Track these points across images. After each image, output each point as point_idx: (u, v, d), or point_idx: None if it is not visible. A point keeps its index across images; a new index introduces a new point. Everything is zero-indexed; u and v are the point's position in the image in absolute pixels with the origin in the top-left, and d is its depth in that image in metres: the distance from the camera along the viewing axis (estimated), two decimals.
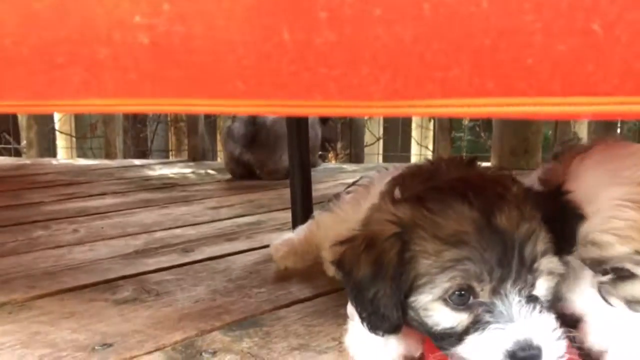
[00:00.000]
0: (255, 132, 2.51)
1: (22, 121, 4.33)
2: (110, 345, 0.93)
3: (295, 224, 1.59)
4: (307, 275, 1.28)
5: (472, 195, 0.74)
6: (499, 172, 0.87)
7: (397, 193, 0.85)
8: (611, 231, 0.70)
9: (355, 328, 0.89)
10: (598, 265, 0.74)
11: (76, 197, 2.19)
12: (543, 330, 0.71)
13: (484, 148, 3.71)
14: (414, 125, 4.11)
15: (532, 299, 0.73)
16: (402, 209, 0.78)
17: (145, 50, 0.45)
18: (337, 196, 1.53)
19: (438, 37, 0.39)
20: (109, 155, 3.39)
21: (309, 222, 1.42)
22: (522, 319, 0.71)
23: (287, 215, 1.76)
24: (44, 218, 1.83)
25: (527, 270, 0.72)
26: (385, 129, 4.15)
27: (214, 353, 0.91)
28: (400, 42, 0.40)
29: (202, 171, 2.88)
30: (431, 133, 4.01)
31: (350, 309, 0.96)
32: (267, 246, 1.50)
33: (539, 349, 0.70)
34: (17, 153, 4.04)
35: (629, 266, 0.72)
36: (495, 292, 0.71)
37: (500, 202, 0.74)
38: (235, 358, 0.89)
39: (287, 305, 1.11)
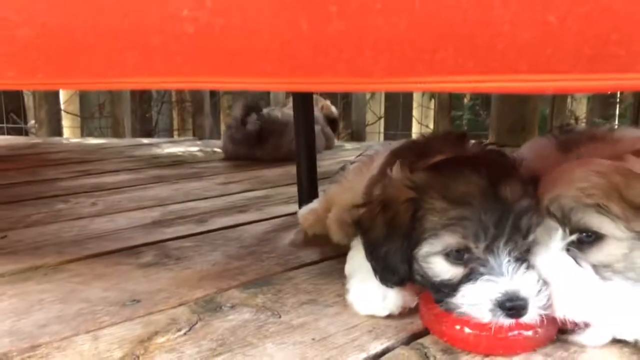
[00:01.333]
0: (261, 127, 2.60)
1: (29, 102, 4.43)
2: (139, 301, 1.04)
3: (301, 198, 1.70)
4: (314, 242, 1.39)
5: (484, 167, 0.86)
6: (500, 152, 0.98)
7: (396, 166, 0.96)
8: (578, 189, 0.80)
9: (356, 285, 1.00)
10: (568, 222, 0.81)
11: (90, 174, 2.29)
12: (529, 284, 0.81)
13: (483, 126, 3.80)
14: (414, 104, 4.20)
15: (519, 259, 0.82)
16: (419, 175, 0.89)
17: (189, 38, 0.54)
18: (343, 167, 1.64)
19: (427, 26, 0.49)
20: (117, 135, 3.49)
21: (323, 193, 1.53)
22: (511, 274, 0.81)
23: (293, 190, 1.87)
24: (62, 193, 1.94)
25: (520, 236, 0.82)
26: (386, 108, 4.24)
27: (233, 307, 1.02)
28: (396, 30, 0.50)
29: (209, 149, 2.98)
30: (432, 112, 4.10)
31: (348, 270, 1.07)
32: (276, 217, 1.62)
33: (525, 300, 0.80)
34: (24, 132, 4.14)
35: (596, 224, 0.78)
36: (488, 249, 0.82)
37: (507, 176, 0.85)
38: (252, 311, 1.00)
39: (296, 268, 1.22)
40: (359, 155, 1.62)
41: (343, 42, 0.52)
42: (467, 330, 0.83)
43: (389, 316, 0.96)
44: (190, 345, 0.88)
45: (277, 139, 2.57)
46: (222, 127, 4.61)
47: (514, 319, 0.80)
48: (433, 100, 3.98)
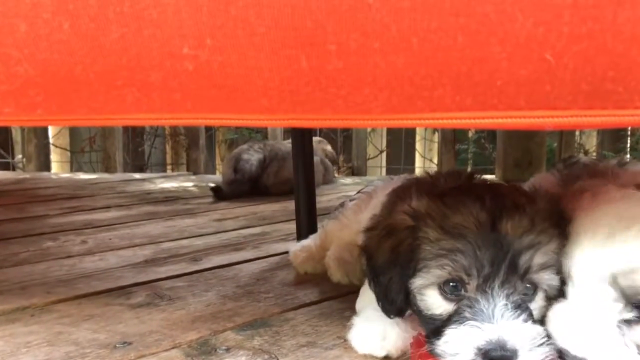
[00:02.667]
0: (270, 156, 2.65)
1: (17, 136, 4.48)
2: (130, 343, 1.05)
3: (300, 234, 1.72)
4: (312, 281, 1.40)
5: (489, 199, 0.83)
6: (514, 185, 0.95)
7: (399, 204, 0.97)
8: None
9: (359, 323, 1.01)
10: (627, 297, 0.75)
11: (80, 210, 2.31)
12: (522, 336, 0.77)
13: (489, 160, 3.84)
14: (417, 137, 4.25)
15: (520, 307, 0.79)
16: (420, 202, 0.89)
17: (189, 75, 0.57)
18: (342, 204, 1.67)
19: (425, 64, 0.52)
20: (108, 169, 3.52)
21: (320, 229, 1.55)
22: (503, 321, 0.77)
23: (291, 227, 1.89)
24: (51, 230, 1.95)
25: (518, 278, 0.79)
26: (388, 141, 4.29)
27: (228, 349, 1.02)
28: (394, 69, 0.52)
29: (204, 184, 3.00)
30: (436, 145, 4.15)
31: (360, 304, 1.08)
32: (273, 255, 1.63)
33: (513, 352, 0.76)
34: (11, 167, 4.17)
35: None
36: (480, 289, 0.79)
37: (514, 210, 0.81)
38: (248, 354, 1.00)
39: (295, 309, 1.22)
40: (358, 192, 1.65)
41: (342, 80, 0.55)
42: None
43: (388, 358, 0.96)
44: None
45: (280, 163, 2.61)
46: (218, 161, 4.65)
47: None
48: (437, 134, 4.03)
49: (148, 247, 1.73)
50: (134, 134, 4.43)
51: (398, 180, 1.35)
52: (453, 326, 0.80)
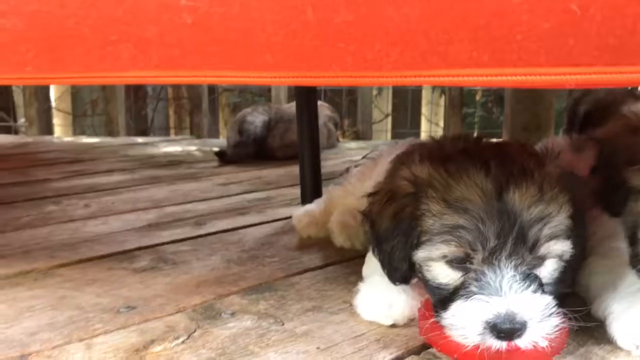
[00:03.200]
0: (275, 118, 2.60)
1: (19, 99, 4.44)
2: (134, 307, 1.04)
3: (304, 199, 1.70)
4: (317, 246, 1.39)
5: (495, 164, 0.78)
6: (523, 145, 0.90)
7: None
8: None
9: (365, 290, 1.00)
10: None
11: (83, 174, 2.29)
12: (531, 307, 0.75)
13: (496, 124, 3.80)
14: (424, 101, 4.20)
15: (529, 277, 0.77)
16: (422, 168, 0.85)
17: (188, 29, 0.54)
18: (347, 170, 1.65)
19: (441, 17, 0.49)
20: (110, 133, 3.50)
21: (325, 195, 1.53)
22: (512, 293, 0.75)
23: (296, 192, 1.87)
24: (53, 194, 1.94)
25: (526, 250, 0.76)
26: (394, 105, 4.24)
27: (233, 314, 1.01)
28: (408, 21, 0.49)
29: (207, 149, 2.98)
30: (442, 109, 4.10)
31: (366, 271, 1.07)
32: (278, 220, 1.61)
33: (522, 324, 0.74)
34: (13, 131, 4.15)
35: None
36: (486, 262, 0.77)
37: (521, 177, 0.77)
38: (253, 318, 0.99)
39: (300, 273, 1.21)
40: (363, 157, 1.62)
41: (351, 34, 0.51)
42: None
43: (395, 325, 0.95)
44: (188, 354, 0.87)
45: (287, 125, 2.58)
46: (221, 125, 4.62)
47: (504, 342, 0.75)
48: (443, 97, 3.97)
49: (152, 211, 1.71)
50: (137, 98, 4.39)
51: (403, 145, 1.32)
52: (460, 300, 0.78)
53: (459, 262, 0.80)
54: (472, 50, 0.49)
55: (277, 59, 0.54)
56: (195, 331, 0.95)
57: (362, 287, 1.00)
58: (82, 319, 0.99)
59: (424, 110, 4.20)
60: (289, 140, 2.56)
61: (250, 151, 2.57)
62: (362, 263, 1.11)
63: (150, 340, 0.92)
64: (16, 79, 0.64)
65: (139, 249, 1.37)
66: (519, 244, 0.76)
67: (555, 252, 0.79)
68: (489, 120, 4.08)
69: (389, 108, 4.18)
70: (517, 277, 0.76)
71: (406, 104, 4.18)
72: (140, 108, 4.56)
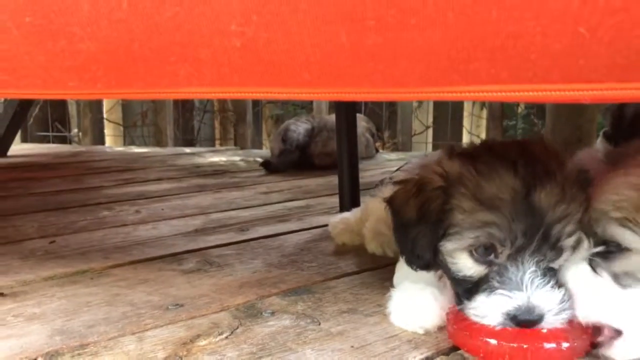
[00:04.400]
0: (318, 127, 2.68)
1: (72, 111, 4.67)
2: (182, 305, 1.12)
3: (342, 208, 1.76)
4: (353, 252, 1.44)
5: (522, 164, 0.83)
6: (559, 147, 0.92)
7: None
8: (609, 202, 0.81)
9: (397, 296, 1.04)
10: (593, 235, 0.83)
11: (134, 182, 2.41)
12: (549, 301, 0.81)
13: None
14: (465, 113, 4.20)
15: (549, 272, 0.82)
16: (453, 164, 0.89)
17: (237, 51, 0.61)
18: (382, 182, 1.70)
19: (460, 38, 0.54)
20: (159, 143, 3.64)
21: (362, 205, 1.59)
22: (532, 288, 0.80)
23: (334, 201, 1.93)
24: (106, 200, 2.06)
25: (549, 247, 0.81)
26: (435, 117, 4.25)
27: (273, 313, 1.07)
28: (430, 43, 0.54)
29: (251, 159, 3.07)
30: (483, 122, 4.08)
31: (397, 279, 1.11)
32: (317, 227, 1.68)
33: (540, 316, 0.80)
34: (66, 141, 4.36)
35: (619, 237, 0.80)
36: (511, 258, 0.82)
37: (545, 178, 0.82)
38: (292, 317, 1.05)
39: (336, 278, 1.27)
40: (398, 169, 1.67)
41: (380, 54, 0.57)
42: (492, 341, 0.83)
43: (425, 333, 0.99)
44: (231, 348, 0.94)
45: (330, 134, 2.63)
46: (264, 136, 4.73)
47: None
48: (484, 110, 3.97)
49: (198, 218, 1.80)
50: (184, 110, 4.54)
51: (434, 155, 1.36)
52: (483, 293, 0.84)
53: (483, 255, 0.85)
54: (490, 68, 0.54)
55: (314, 76, 0.60)
56: (237, 328, 1.01)
57: (394, 293, 1.04)
58: (134, 315, 1.07)
59: (465, 122, 4.20)
60: (330, 148, 2.61)
61: (294, 158, 2.63)
62: (394, 270, 1.16)
63: (196, 335, 0.99)
64: (87, 94, 0.72)
65: (187, 252, 1.45)
66: (543, 242, 0.81)
67: (571, 244, 0.84)
68: (531, 133, 4.05)
69: (429, 120, 4.20)
70: (538, 273, 0.81)
71: (447, 116, 4.19)
72: (187, 120, 4.71)
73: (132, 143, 4.43)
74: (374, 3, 0.54)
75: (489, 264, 0.85)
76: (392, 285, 1.08)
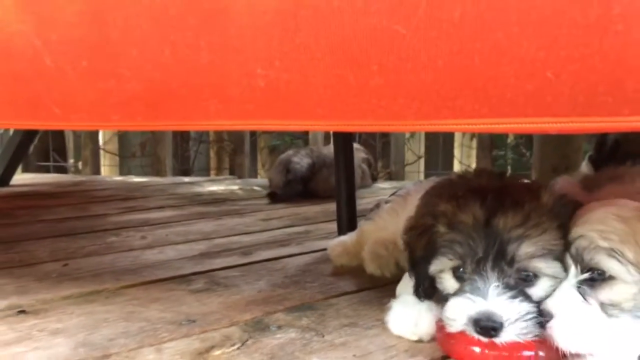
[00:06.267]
0: (318, 162, 2.79)
1: (70, 142, 4.76)
2: (194, 321, 1.20)
3: (340, 232, 1.86)
4: (352, 274, 1.54)
5: (491, 199, 0.98)
6: (539, 184, 1.09)
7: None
8: (596, 231, 0.90)
9: (396, 307, 1.14)
10: (581, 261, 0.90)
11: (137, 210, 2.50)
12: (509, 311, 0.91)
13: (527, 166, 3.90)
14: (455, 144, 4.33)
15: (513, 288, 0.93)
16: (441, 204, 1.04)
17: (261, 90, 0.72)
18: (377, 206, 1.80)
19: (448, 80, 0.65)
20: (158, 173, 3.73)
21: (358, 229, 1.69)
22: (493, 297, 0.92)
23: (331, 227, 2.03)
24: (112, 227, 2.14)
25: (506, 263, 0.93)
26: (426, 147, 4.38)
27: (279, 327, 1.16)
28: (424, 83, 0.66)
29: (248, 187, 3.17)
30: (473, 152, 4.22)
31: (399, 290, 1.21)
32: (316, 251, 1.77)
33: (500, 323, 0.91)
34: (64, 170, 4.44)
35: (606, 266, 0.88)
36: (476, 271, 0.95)
37: (510, 208, 0.95)
38: (297, 331, 1.15)
39: (337, 296, 1.36)
40: (391, 195, 1.78)
41: (382, 93, 0.68)
42: (475, 349, 0.94)
43: (420, 341, 1.08)
44: (244, 357, 1.03)
45: (330, 170, 2.74)
46: (259, 166, 4.83)
47: (487, 338, 0.92)
48: (474, 140, 4.10)
49: (202, 242, 1.89)
50: (182, 140, 4.64)
51: (428, 182, 1.49)
52: (454, 297, 0.97)
53: (460, 274, 0.98)
54: (474, 104, 0.65)
55: (326, 111, 0.71)
56: (248, 340, 1.10)
57: (394, 304, 1.15)
58: (151, 329, 1.16)
59: (456, 152, 4.33)
60: (332, 184, 2.70)
61: (300, 188, 2.74)
62: (392, 289, 1.25)
63: (210, 346, 1.07)
64: (127, 126, 0.83)
65: (194, 274, 1.54)
66: (499, 258, 0.94)
67: (541, 269, 0.94)
68: (520, 162, 4.18)
69: (421, 150, 4.33)
70: (501, 285, 0.93)
71: (438, 146, 4.32)
72: (184, 150, 4.81)
73: (129, 173, 4.51)
74: (377, 51, 0.65)
75: (462, 279, 0.98)
76: (389, 303, 1.18)
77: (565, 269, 0.94)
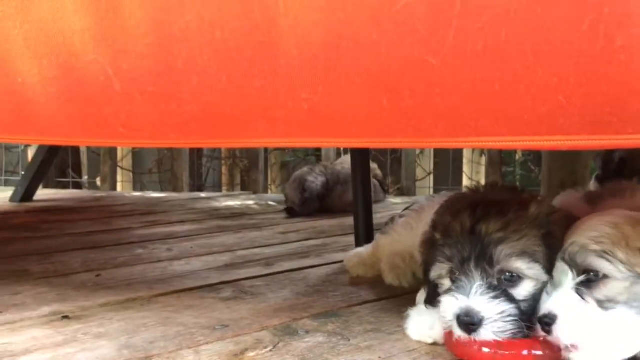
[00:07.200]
0: (332, 179, 2.88)
1: (84, 159, 4.88)
2: (227, 326, 1.28)
3: (358, 244, 1.93)
4: (372, 284, 1.61)
5: (480, 209, 1.08)
6: (534, 196, 1.18)
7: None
8: (589, 237, 0.98)
9: (413, 314, 1.22)
10: (575, 265, 0.98)
11: (159, 224, 2.59)
12: (489, 309, 1.00)
13: (535, 182, 3.97)
14: (465, 160, 4.40)
15: (496, 288, 1.02)
16: (441, 216, 1.16)
17: (304, 112, 0.81)
18: (392, 220, 1.88)
19: (472, 103, 0.73)
20: (175, 189, 3.83)
21: (374, 241, 1.77)
22: (475, 296, 1.01)
23: (348, 239, 2.11)
24: (138, 240, 2.23)
25: (487, 264, 1.03)
26: (436, 164, 4.45)
27: (307, 332, 1.24)
28: (450, 106, 0.74)
29: (264, 202, 3.26)
30: (483, 168, 4.29)
31: (419, 298, 1.29)
32: (336, 262, 1.85)
33: (478, 320, 1.00)
34: (81, 187, 4.54)
35: (598, 266, 0.95)
36: (461, 271, 1.05)
37: (494, 216, 1.05)
38: (324, 335, 1.22)
39: (359, 304, 1.44)
40: (405, 209, 1.86)
41: (412, 114, 0.77)
42: (487, 350, 1.02)
43: (436, 344, 1.16)
44: (277, 357, 1.10)
45: (344, 187, 2.82)
46: (269, 181, 4.93)
47: (467, 334, 1.01)
48: (484, 157, 4.18)
49: (225, 254, 1.97)
50: (198, 157, 4.74)
51: (442, 197, 1.57)
52: (445, 296, 1.07)
53: (453, 276, 1.07)
54: (494, 125, 0.74)
55: (361, 130, 0.80)
56: (279, 343, 1.18)
57: (411, 312, 1.23)
58: (187, 333, 1.24)
59: (465, 169, 4.40)
60: (347, 200, 2.78)
61: (316, 206, 2.83)
62: (409, 298, 1.33)
63: (244, 348, 1.15)
64: (181, 144, 0.92)
65: (222, 283, 1.62)
66: (481, 259, 1.03)
67: (521, 270, 1.03)
68: (529, 179, 4.25)
69: (431, 167, 4.40)
70: (484, 285, 1.02)
71: (447, 163, 4.39)
72: (198, 166, 4.92)
73: (143, 189, 4.60)
74: (409, 78, 0.74)
75: (454, 280, 1.08)
76: (407, 311, 1.25)
77: (549, 273, 1.03)
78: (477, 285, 1.02)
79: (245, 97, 0.82)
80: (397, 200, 3.47)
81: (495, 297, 1.02)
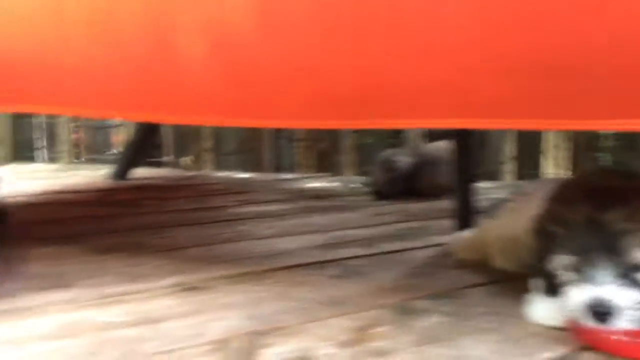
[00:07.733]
0: (420, 160, 2.85)
1: (168, 139, 5.05)
2: (342, 303, 1.31)
3: (458, 228, 1.92)
4: (478, 267, 1.60)
5: (600, 198, 1.06)
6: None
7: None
8: None
9: (532, 299, 1.21)
10: None
11: (251, 203, 2.66)
12: (622, 297, 0.99)
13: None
14: (550, 145, 4.26)
15: (626, 277, 1.01)
16: (550, 206, 1.15)
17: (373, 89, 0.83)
18: (496, 205, 1.86)
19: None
20: (259, 169, 3.91)
21: (480, 225, 1.76)
22: (606, 285, 1.00)
23: (441, 222, 2.10)
24: (235, 218, 2.30)
25: (615, 254, 1.01)
26: (519, 149, 4.33)
27: (424, 311, 1.25)
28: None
29: (347, 185, 3.28)
30: (568, 153, 4.14)
31: (533, 283, 1.27)
32: (437, 245, 1.84)
33: (613, 309, 0.99)
34: (160, 165, 4.70)
35: None
36: (585, 262, 1.03)
37: (617, 205, 1.03)
38: (442, 314, 1.23)
39: (471, 287, 1.43)
40: (511, 194, 1.83)
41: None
42: (620, 338, 1.01)
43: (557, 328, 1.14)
44: (398, 335, 1.12)
45: (432, 168, 2.79)
46: (346, 164, 4.94)
47: (601, 323, 1.01)
48: (568, 141, 4.03)
49: (322, 234, 2.01)
50: (278, 138, 4.81)
51: (548, 183, 1.53)
52: (571, 288, 1.06)
53: (574, 267, 1.06)
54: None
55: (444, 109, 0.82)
56: (398, 321, 1.20)
57: (532, 296, 1.22)
58: (305, 308, 1.27)
59: (550, 154, 4.26)
60: (436, 183, 2.75)
61: (403, 187, 2.79)
62: (520, 282, 1.30)
63: (366, 324, 1.18)
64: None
65: (326, 261, 1.65)
66: (606, 250, 1.02)
67: None
68: (621, 166, 4.06)
69: (513, 151, 4.28)
70: (612, 274, 1.01)
71: (530, 147, 4.26)
72: (277, 147, 4.99)
73: (225, 169, 4.72)
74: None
75: (577, 272, 1.06)
76: (523, 294, 1.24)
77: None
78: (605, 274, 1.02)
79: (289, 94, 0.85)
80: (488, 184, 3.41)
81: (626, 286, 1.02)
